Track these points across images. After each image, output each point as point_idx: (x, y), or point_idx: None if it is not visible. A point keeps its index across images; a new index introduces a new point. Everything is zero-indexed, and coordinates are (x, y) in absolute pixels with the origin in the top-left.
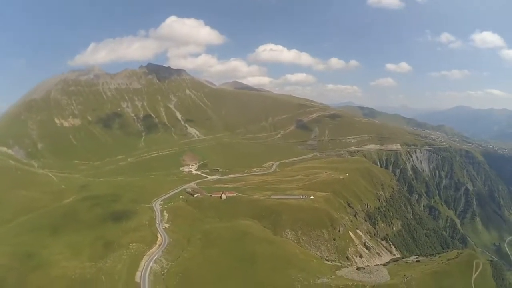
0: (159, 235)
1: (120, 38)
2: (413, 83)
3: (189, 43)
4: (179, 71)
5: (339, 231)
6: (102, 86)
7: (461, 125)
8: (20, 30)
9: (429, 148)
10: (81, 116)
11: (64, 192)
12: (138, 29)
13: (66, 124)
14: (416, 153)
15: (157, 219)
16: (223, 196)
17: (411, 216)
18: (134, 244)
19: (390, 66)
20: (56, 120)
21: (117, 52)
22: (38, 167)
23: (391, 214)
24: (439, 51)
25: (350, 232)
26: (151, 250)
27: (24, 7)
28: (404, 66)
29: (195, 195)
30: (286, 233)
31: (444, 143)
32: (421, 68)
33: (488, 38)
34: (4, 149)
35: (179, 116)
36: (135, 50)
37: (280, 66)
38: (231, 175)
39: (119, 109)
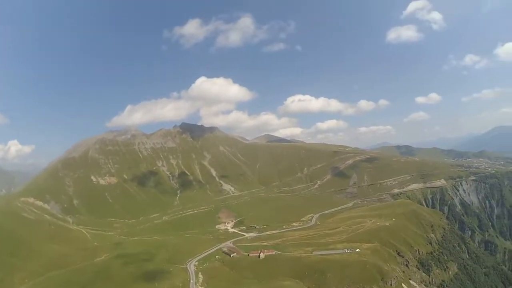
0: None
1: (155, 100)
2: (446, 113)
3: (220, 101)
4: (212, 129)
5: (391, 284)
6: (138, 145)
7: (503, 146)
8: (61, 93)
9: (475, 177)
10: (117, 174)
11: (97, 250)
12: (171, 91)
13: (102, 182)
14: (462, 185)
15: (191, 281)
16: (261, 255)
17: (467, 256)
18: None
19: (420, 99)
20: (93, 178)
21: (153, 113)
22: (73, 223)
23: (445, 257)
24: (466, 75)
25: (403, 285)
26: None
27: (65, 71)
28: (434, 96)
29: (231, 255)
30: None
31: (489, 169)
32: (451, 95)
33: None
34: (41, 203)
35: (213, 172)
36: (169, 111)
37: (310, 115)
38: (269, 232)
39: (154, 168)
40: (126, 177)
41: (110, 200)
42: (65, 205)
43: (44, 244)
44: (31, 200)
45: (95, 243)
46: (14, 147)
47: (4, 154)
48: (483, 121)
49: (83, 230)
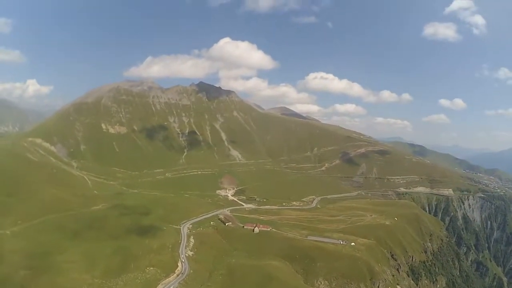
0: (179, 263)
1: (175, 55)
2: (467, 121)
3: (241, 66)
4: (228, 92)
5: (378, 286)
6: (153, 98)
7: None
8: (84, 38)
9: (482, 195)
10: (127, 124)
11: (96, 198)
12: (192, 48)
13: (112, 130)
14: (468, 200)
15: (182, 244)
16: (256, 229)
17: (458, 273)
18: (152, 268)
19: (444, 102)
20: (103, 126)
21: (171, 68)
22: (76, 168)
23: (437, 269)
24: (496, 88)
25: None
26: (167, 279)
27: (96, 19)
28: (459, 102)
29: (226, 224)
30: (319, 283)
31: (498, 190)
32: (476, 105)
33: None
34: (48, 145)
35: (223, 136)
36: (188, 68)
37: (329, 95)
38: (268, 206)
39: (165, 123)
40: (135, 128)
41: (117, 150)
42: (72, 150)
43: (43, 187)
44: (38, 141)
45: (95, 191)
46: (32, 86)
47: (22, 92)
48: (501, 139)
49: (85, 177)
